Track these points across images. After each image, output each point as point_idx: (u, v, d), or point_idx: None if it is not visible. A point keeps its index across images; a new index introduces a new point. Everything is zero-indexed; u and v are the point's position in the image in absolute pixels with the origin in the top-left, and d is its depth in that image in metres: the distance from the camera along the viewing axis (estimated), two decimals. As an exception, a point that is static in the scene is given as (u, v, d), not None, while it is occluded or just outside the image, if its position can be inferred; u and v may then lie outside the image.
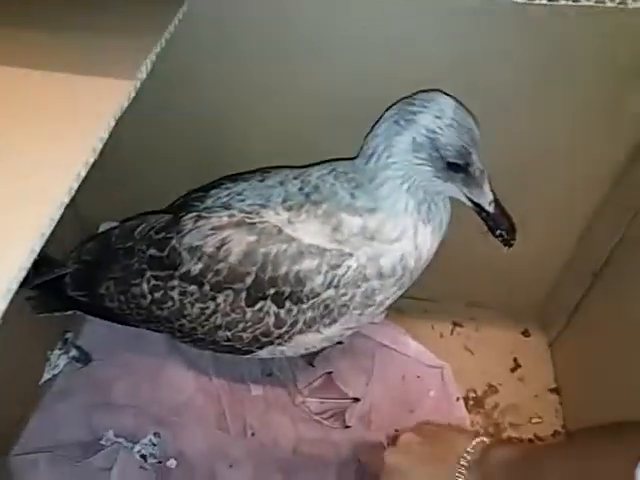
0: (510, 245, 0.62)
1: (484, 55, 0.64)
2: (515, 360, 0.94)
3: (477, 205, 0.61)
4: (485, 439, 0.59)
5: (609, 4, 0.56)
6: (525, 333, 0.97)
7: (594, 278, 0.82)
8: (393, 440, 0.65)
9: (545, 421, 0.87)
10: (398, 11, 0.61)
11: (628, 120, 0.68)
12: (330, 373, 0.90)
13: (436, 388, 0.88)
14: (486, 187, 0.59)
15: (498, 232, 0.61)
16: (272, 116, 0.74)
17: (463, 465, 0.56)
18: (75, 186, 0.42)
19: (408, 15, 0.62)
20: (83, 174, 0.42)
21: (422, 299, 0.98)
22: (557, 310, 0.94)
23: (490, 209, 0.60)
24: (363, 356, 0.92)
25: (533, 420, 0.87)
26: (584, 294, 0.85)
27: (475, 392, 0.89)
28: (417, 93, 0.61)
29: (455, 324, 0.98)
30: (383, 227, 0.61)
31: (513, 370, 0.93)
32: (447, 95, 0.60)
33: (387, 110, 0.61)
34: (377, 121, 0.62)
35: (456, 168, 0.58)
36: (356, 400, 0.87)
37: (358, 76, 0.67)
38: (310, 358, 0.91)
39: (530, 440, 0.85)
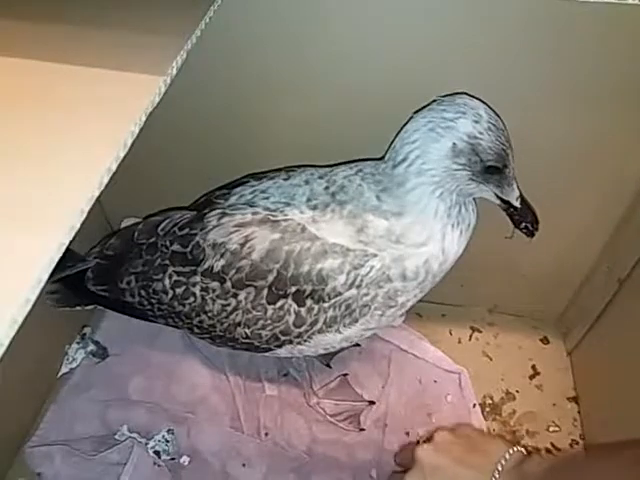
0: (533, 235, 0.62)
1: (512, 52, 0.63)
2: (534, 367, 0.93)
3: (506, 202, 0.61)
4: (523, 450, 0.58)
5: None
6: (544, 340, 0.96)
7: (619, 285, 0.81)
8: (428, 438, 0.64)
9: (563, 430, 0.85)
10: (428, 9, 0.61)
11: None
12: (346, 375, 0.90)
13: (453, 393, 0.87)
14: (514, 185, 0.60)
15: (523, 225, 0.62)
16: (297, 113, 0.74)
17: (499, 471, 0.56)
18: (105, 180, 0.41)
19: (436, 14, 0.62)
20: (114, 168, 0.42)
21: (441, 303, 0.97)
22: (578, 318, 0.92)
23: (517, 204, 0.60)
24: (380, 359, 0.92)
25: (551, 429, 0.86)
26: (608, 302, 0.84)
27: (492, 399, 0.88)
28: (442, 97, 0.60)
29: (474, 329, 0.97)
30: (409, 231, 0.60)
31: (531, 377, 0.91)
32: (474, 97, 0.59)
33: (414, 116, 0.61)
34: (404, 125, 0.62)
35: (493, 170, 0.57)
36: (371, 403, 0.87)
37: (385, 75, 0.67)
38: (327, 359, 0.90)
39: (547, 450, 0.84)
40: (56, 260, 0.36)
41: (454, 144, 0.56)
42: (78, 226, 0.38)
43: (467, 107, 0.57)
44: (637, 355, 0.76)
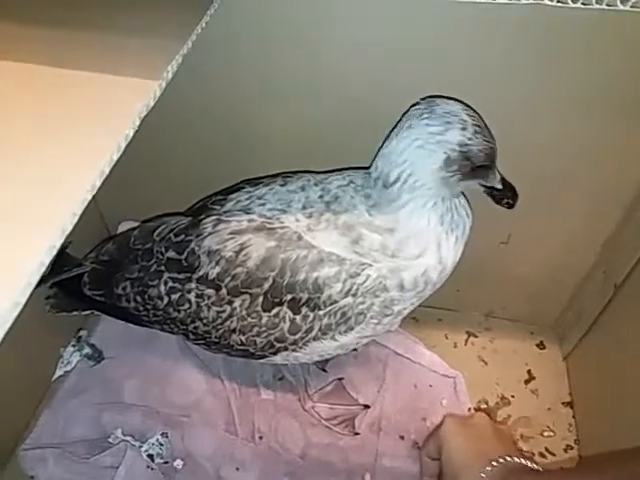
0: (513, 207, 0.64)
1: (505, 58, 0.63)
2: (529, 372, 0.93)
3: (489, 187, 0.62)
4: (518, 460, 0.63)
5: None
6: (540, 345, 0.96)
7: (615, 290, 0.81)
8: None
9: (557, 435, 0.86)
10: (429, 15, 0.61)
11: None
12: (341, 379, 0.90)
13: (448, 398, 0.87)
14: (496, 170, 0.61)
15: (505, 201, 0.63)
16: (293, 119, 0.74)
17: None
18: (98, 183, 0.41)
19: (436, 19, 0.61)
20: (107, 171, 0.42)
21: (437, 308, 0.97)
22: (574, 323, 0.92)
23: (499, 186, 0.62)
24: (375, 363, 0.92)
25: (545, 433, 0.86)
26: (604, 307, 0.84)
27: (487, 403, 0.88)
28: (418, 104, 0.60)
29: (470, 334, 0.97)
30: (404, 246, 0.60)
31: (527, 382, 0.92)
32: (450, 99, 0.59)
33: (395, 133, 0.60)
34: (385, 141, 0.61)
35: (481, 167, 0.58)
36: (366, 407, 0.87)
37: (384, 80, 0.67)
38: (322, 364, 0.90)
39: (541, 454, 0.84)
40: (47, 263, 0.36)
41: (447, 156, 0.56)
42: (70, 228, 0.38)
43: (450, 115, 0.57)
44: (633, 360, 0.76)
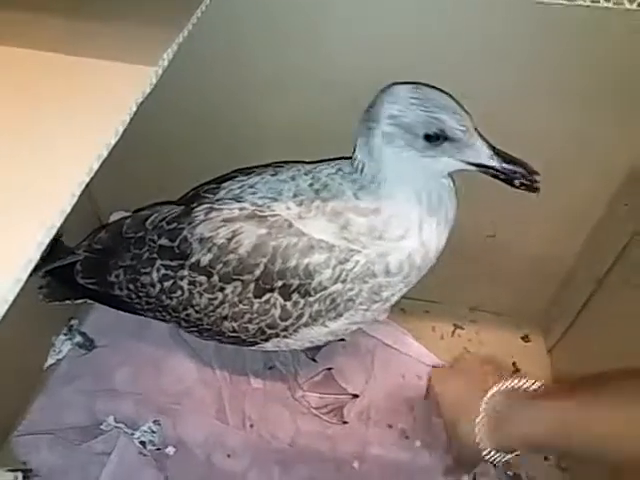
0: (536, 189, 0.58)
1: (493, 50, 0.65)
2: (514, 364, 0.95)
3: (479, 165, 0.59)
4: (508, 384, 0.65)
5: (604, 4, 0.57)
6: (525, 338, 0.99)
7: (597, 285, 0.83)
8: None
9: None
10: (414, 9, 0.63)
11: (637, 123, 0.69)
12: (331, 369, 0.91)
13: (435, 388, 0.89)
14: (478, 143, 0.58)
15: (516, 182, 0.58)
16: (285, 110, 0.75)
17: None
18: (96, 166, 0.42)
19: (423, 14, 0.63)
20: (104, 154, 0.43)
21: (425, 300, 0.99)
22: (558, 316, 0.95)
23: (493, 163, 0.58)
24: (364, 354, 0.94)
25: (530, 423, 0.88)
26: (586, 301, 0.86)
27: (473, 393, 0.90)
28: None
29: (456, 326, 0.99)
30: (389, 226, 0.62)
31: (512, 374, 0.93)
32: (403, 83, 0.61)
33: None
34: None
35: (437, 139, 0.57)
36: (355, 396, 0.88)
37: (374, 68, 0.67)
38: (312, 353, 0.92)
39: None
40: (46, 242, 0.38)
41: (383, 131, 0.58)
42: (69, 209, 0.39)
43: (385, 93, 0.59)
44: (614, 352, 0.78)
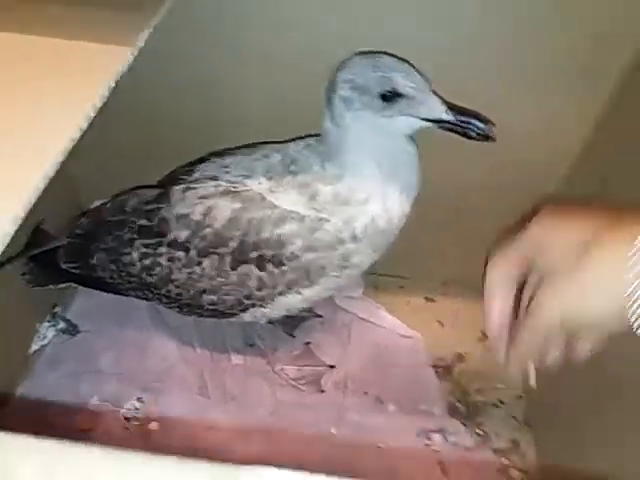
0: (491, 138, 0.60)
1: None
2: (483, 332, 1.00)
3: (435, 121, 0.62)
4: None
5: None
6: (493, 308, 1.03)
7: None
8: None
9: (508, 386, 0.93)
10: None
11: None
12: (309, 343, 0.96)
13: (407, 355, 0.94)
14: (431, 99, 0.61)
15: (472, 134, 0.61)
16: (262, 91, 0.79)
17: None
18: (69, 147, 0.44)
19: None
20: (78, 136, 0.45)
21: (397, 276, 1.03)
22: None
23: (449, 117, 0.61)
24: (341, 328, 0.98)
25: (498, 386, 0.93)
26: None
27: (445, 360, 0.95)
28: None
29: (428, 299, 1.04)
30: (353, 191, 0.66)
31: (481, 341, 0.98)
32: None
33: None
34: None
35: (391, 98, 0.61)
36: (332, 367, 0.92)
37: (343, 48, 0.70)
38: (290, 329, 0.96)
39: (494, 404, 0.91)
40: (22, 215, 0.39)
41: (341, 96, 0.63)
42: (42, 187, 0.41)
43: (342, 63, 0.64)
44: None
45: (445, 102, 0.61)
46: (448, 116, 0.61)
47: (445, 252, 0.99)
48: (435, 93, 0.62)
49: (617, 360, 0.64)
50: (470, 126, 0.60)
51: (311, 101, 0.75)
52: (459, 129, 0.61)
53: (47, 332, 0.94)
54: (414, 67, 0.62)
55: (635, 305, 0.45)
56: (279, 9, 0.71)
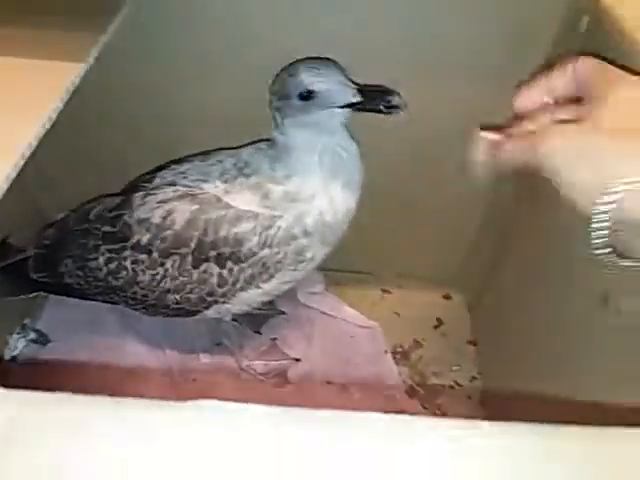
0: (398, 107, 0.63)
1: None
2: (438, 319, 1.06)
3: (348, 106, 0.66)
4: None
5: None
6: (447, 297, 1.10)
7: (499, 248, 0.95)
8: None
9: (463, 369, 0.99)
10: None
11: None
12: (275, 339, 1.00)
13: (368, 344, 0.99)
14: (341, 88, 0.65)
15: (382, 108, 0.64)
16: (217, 100, 0.83)
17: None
18: (21, 162, 0.46)
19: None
20: (31, 150, 0.47)
21: (354, 272, 1.09)
22: (474, 276, 1.06)
23: (357, 99, 0.65)
24: (304, 322, 1.03)
25: (454, 368, 0.99)
26: (492, 262, 0.98)
27: (402, 347, 1.01)
28: None
29: (384, 291, 1.10)
30: (300, 188, 0.71)
31: (436, 327, 1.05)
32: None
33: None
34: None
35: (307, 97, 0.66)
36: (297, 360, 0.97)
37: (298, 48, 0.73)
38: (257, 326, 1.00)
39: (450, 386, 0.97)
40: None
41: (274, 107, 0.70)
42: None
43: (275, 77, 0.70)
44: (521, 303, 0.89)
45: (354, 87, 0.66)
46: (356, 98, 0.65)
47: (398, 246, 1.06)
48: (345, 81, 0.66)
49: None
50: (376, 102, 0.64)
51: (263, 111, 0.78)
52: (370, 106, 0.65)
53: (17, 343, 0.96)
54: (328, 62, 0.67)
55: (598, 223, 0.43)
56: (241, 14, 0.76)
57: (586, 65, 0.49)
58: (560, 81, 0.51)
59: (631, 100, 0.44)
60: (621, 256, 0.45)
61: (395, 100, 0.63)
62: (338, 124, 0.70)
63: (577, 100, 0.49)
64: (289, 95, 0.67)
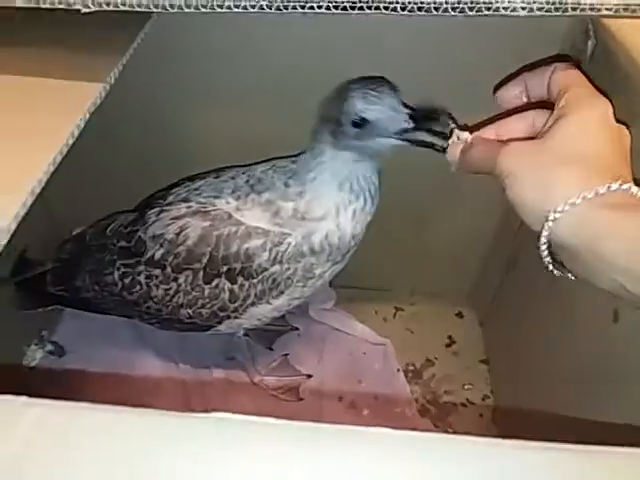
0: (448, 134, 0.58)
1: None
2: (450, 337, 1.06)
3: (402, 132, 0.62)
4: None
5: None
6: (459, 315, 1.10)
7: (510, 265, 0.95)
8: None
9: (476, 387, 0.98)
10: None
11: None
12: (286, 355, 1.01)
13: (379, 362, 0.99)
14: (391, 113, 0.62)
15: (440, 147, 0.59)
16: (228, 122, 0.85)
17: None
18: (43, 182, 0.47)
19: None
20: (52, 169, 0.48)
21: (367, 288, 1.09)
22: (486, 294, 1.06)
23: (411, 124, 0.61)
24: (316, 339, 1.03)
25: (465, 387, 0.98)
26: (503, 280, 0.98)
27: (414, 365, 1.01)
28: None
29: (397, 309, 1.10)
30: (311, 207, 0.71)
31: (448, 346, 1.04)
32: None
33: None
34: None
35: (361, 124, 0.64)
36: (309, 376, 0.97)
37: (314, 81, 0.75)
38: (269, 343, 1.01)
39: (463, 404, 0.96)
40: (3, 242, 0.42)
41: (326, 131, 0.68)
42: (22, 215, 0.44)
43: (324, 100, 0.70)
44: (533, 322, 0.89)
45: (406, 111, 0.61)
46: (410, 124, 0.61)
47: (411, 263, 1.06)
48: (397, 106, 0.62)
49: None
50: (428, 125, 0.60)
51: (280, 138, 0.81)
52: (423, 141, 0.60)
53: (35, 354, 0.99)
54: (382, 83, 0.63)
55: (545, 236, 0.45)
56: (250, 47, 0.78)
57: (562, 75, 0.51)
58: (536, 83, 0.53)
59: (590, 121, 0.46)
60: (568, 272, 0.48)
61: (447, 132, 0.58)
62: (379, 152, 0.68)
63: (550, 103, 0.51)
64: (341, 121, 0.65)
